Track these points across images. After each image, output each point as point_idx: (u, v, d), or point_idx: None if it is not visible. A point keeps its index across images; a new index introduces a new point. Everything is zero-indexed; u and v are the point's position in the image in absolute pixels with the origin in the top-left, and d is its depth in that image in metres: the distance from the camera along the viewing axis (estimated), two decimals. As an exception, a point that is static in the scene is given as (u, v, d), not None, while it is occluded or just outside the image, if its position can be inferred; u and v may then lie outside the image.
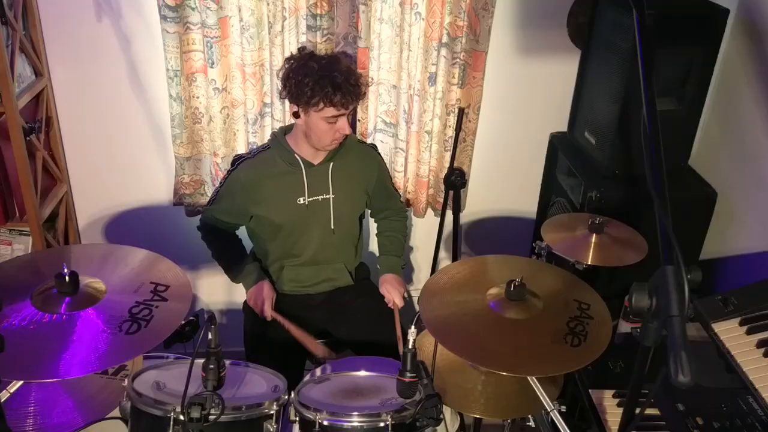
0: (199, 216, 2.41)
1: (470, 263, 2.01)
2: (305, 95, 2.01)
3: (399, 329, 2.19)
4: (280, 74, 2.11)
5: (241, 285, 2.34)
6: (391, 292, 2.31)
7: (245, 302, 2.36)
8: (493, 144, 2.80)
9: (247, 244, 2.44)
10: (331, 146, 2.15)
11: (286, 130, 2.26)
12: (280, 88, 2.12)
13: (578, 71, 2.63)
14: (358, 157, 2.30)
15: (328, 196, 2.24)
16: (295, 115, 2.10)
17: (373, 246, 2.65)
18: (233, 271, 2.33)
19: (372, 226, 2.57)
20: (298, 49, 2.17)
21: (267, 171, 2.20)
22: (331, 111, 2.03)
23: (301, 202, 2.22)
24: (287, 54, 2.41)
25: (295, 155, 2.20)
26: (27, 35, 2.33)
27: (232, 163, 2.26)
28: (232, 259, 2.35)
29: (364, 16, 2.41)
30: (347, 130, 2.09)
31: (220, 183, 2.28)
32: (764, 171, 2.36)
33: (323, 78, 1.99)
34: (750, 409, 1.74)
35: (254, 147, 2.48)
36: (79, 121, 2.57)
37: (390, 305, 2.30)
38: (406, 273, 2.84)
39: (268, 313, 2.22)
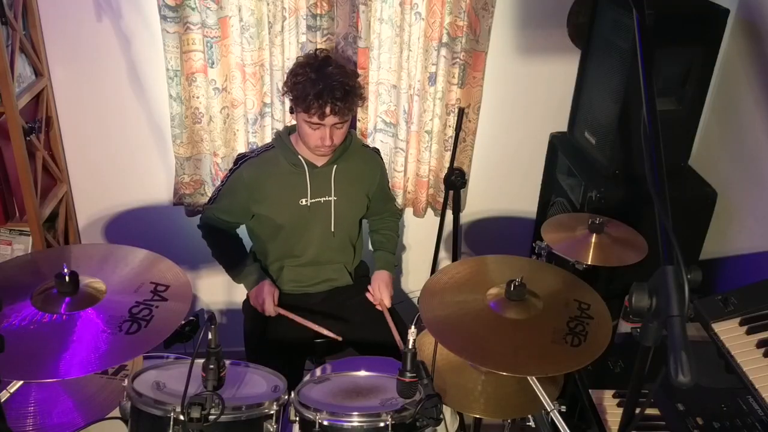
0: (200, 215, 2.42)
1: (470, 263, 2.00)
2: (292, 93, 2.07)
3: (394, 328, 2.20)
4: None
5: (241, 285, 2.34)
6: (382, 292, 2.31)
7: (245, 302, 2.37)
8: (493, 144, 2.80)
9: (247, 243, 2.43)
10: (316, 151, 2.15)
11: (290, 130, 2.26)
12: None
13: (578, 71, 2.63)
14: (362, 161, 2.31)
15: (330, 198, 2.24)
16: (290, 110, 2.14)
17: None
18: (234, 271, 2.33)
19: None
20: (315, 50, 2.17)
21: (270, 170, 2.21)
22: (307, 117, 2.05)
23: (304, 203, 2.22)
24: (287, 54, 2.42)
25: (299, 156, 2.20)
26: (27, 35, 2.33)
27: (235, 162, 2.26)
28: (232, 258, 2.35)
29: (364, 16, 2.40)
30: (327, 142, 2.10)
31: (222, 182, 2.28)
32: (764, 171, 2.35)
33: (309, 84, 2.02)
34: (750, 409, 1.74)
35: (254, 147, 2.48)
36: (79, 121, 2.57)
37: (377, 304, 2.30)
38: (398, 274, 2.83)
39: (270, 309, 2.22)
